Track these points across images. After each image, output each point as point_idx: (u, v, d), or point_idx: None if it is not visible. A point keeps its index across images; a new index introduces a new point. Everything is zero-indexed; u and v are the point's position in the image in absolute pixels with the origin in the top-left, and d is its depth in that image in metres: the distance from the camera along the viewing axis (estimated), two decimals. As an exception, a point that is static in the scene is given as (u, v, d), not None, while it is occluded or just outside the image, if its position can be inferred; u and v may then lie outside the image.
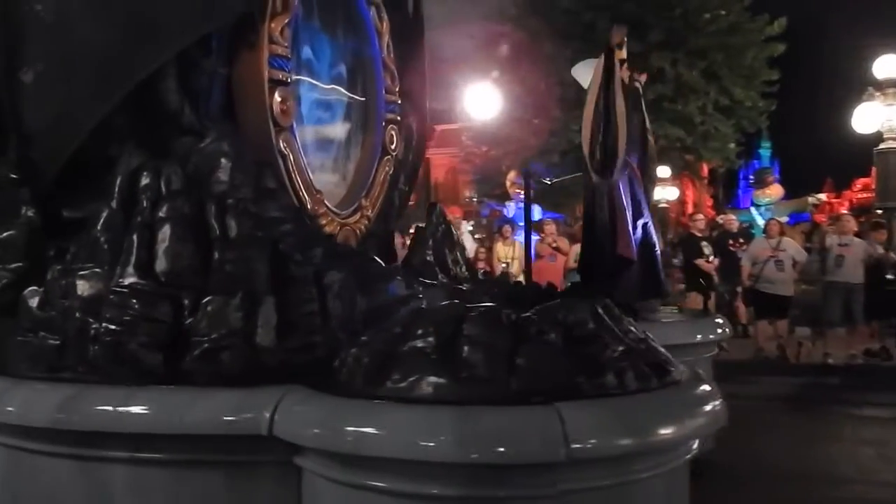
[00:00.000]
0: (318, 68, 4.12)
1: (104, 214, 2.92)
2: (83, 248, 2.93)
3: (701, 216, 13.87)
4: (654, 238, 4.86)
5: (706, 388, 2.53)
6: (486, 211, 19.74)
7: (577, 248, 12.68)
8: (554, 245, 13.19)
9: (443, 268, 4.72)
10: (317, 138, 4.13)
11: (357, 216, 4.22)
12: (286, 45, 3.61)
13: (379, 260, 3.48)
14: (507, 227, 14.43)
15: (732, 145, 19.03)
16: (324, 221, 3.87)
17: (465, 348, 2.34)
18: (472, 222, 19.05)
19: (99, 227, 2.91)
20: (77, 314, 2.78)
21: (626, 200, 4.77)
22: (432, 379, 2.29)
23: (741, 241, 12.26)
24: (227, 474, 2.56)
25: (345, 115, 4.35)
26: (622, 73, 5.04)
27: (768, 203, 20.78)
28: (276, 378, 2.62)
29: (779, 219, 13.21)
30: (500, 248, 13.88)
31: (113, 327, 2.67)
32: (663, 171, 20.48)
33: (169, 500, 2.57)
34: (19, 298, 2.95)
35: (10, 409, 2.69)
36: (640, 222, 4.77)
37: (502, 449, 2.07)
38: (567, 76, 18.06)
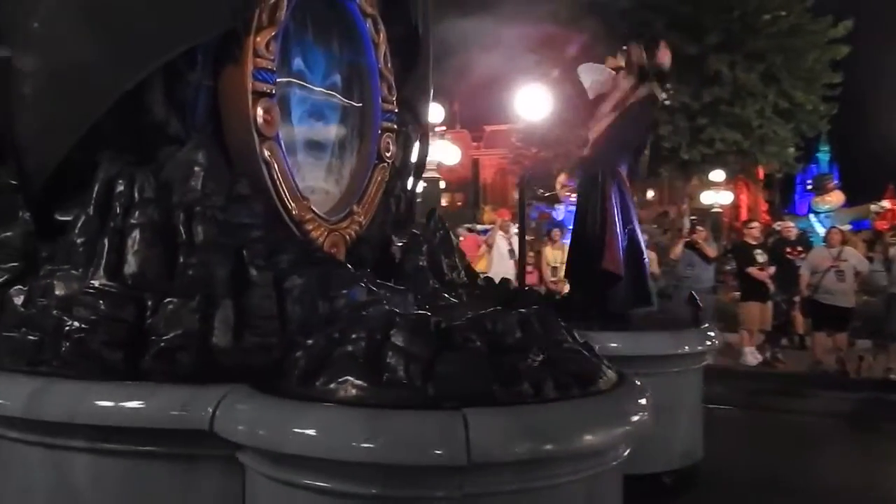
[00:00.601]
0: (311, 79, 4.29)
1: (81, 219, 3.15)
2: (62, 250, 3.16)
3: (756, 224, 13.57)
4: (642, 245, 4.87)
5: (630, 399, 2.58)
6: (535, 214, 19.74)
7: None
8: None
9: (437, 273, 4.84)
10: (308, 146, 4.30)
11: (347, 222, 4.36)
12: (271, 58, 3.78)
13: (347, 266, 3.61)
14: (556, 231, 14.38)
15: (791, 150, 18.58)
16: (310, 227, 4.02)
17: (389, 354, 2.46)
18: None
19: (76, 231, 3.14)
20: (53, 312, 3.00)
21: (616, 210, 4.79)
22: (356, 382, 2.42)
23: (799, 248, 11.93)
24: (177, 467, 2.74)
25: (339, 123, 4.51)
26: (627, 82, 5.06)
27: (828, 210, 20.18)
28: (231, 377, 2.78)
29: (840, 227, 12.84)
30: (549, 252, 13.82)
31: (80, 325, 2.88)
32: (718, 175, 20.16)
33: (125, 488, 2.76)
34: (5, 296, 3.20)
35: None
36: (627, 228, 4.79)
37: (406, 451, 2.18)
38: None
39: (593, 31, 17.66)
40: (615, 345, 4.27)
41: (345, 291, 3.25)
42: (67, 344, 2.91)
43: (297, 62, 4.20)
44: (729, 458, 5.28)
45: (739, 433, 6.71)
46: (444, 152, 17.20)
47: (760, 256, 11.12)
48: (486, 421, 2.24)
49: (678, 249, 12.01)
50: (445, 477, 2.25)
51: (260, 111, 3.72)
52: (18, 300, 3.17)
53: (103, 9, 3.27)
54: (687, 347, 4.45)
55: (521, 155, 19.75)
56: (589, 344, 2.87)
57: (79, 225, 3.14)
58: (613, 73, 5.14)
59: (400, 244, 4.80)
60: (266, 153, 3.77)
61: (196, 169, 3.25)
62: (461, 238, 15.55)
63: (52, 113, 3.31)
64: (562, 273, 13.11)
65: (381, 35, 4.64)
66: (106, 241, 3.04)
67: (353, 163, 4.61)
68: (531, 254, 14.96)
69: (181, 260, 3.03)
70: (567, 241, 15.22)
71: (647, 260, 4.82)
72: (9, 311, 3.16)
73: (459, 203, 20.75)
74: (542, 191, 18.80)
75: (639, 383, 2.85)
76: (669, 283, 12.42)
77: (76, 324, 2.90)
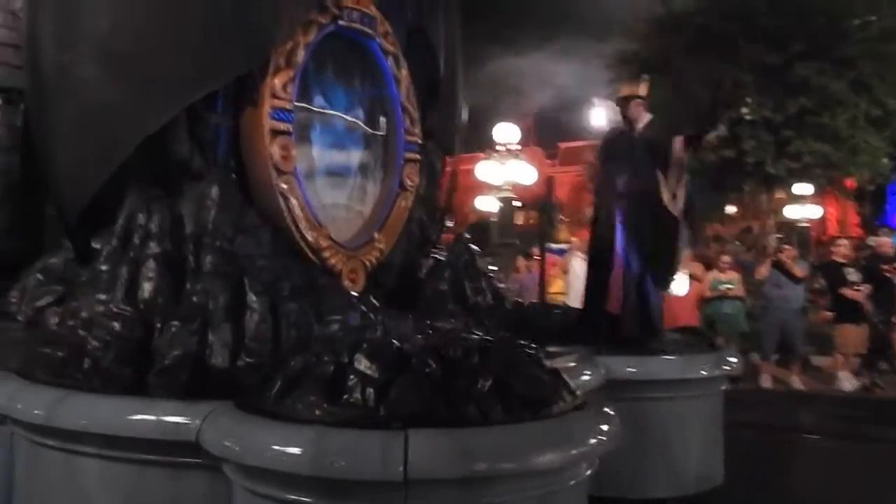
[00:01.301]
0: (331, 117, 4.59)
1: (106, 248, 3.53)
2: (90, 276, 3.55)
3: (843, 241, 13.06)
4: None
5: (581, 423, 2.72)
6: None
7: (712, 275, 12.37)
8: (686, 271, 12.88)
9: (459, 297, 5.05)
10: (330, 177, 4.60)
11: (367, 248, 4.62)
12: (288, 98, 4.11)
13: (346, 292, 3.87)
14: None
15: (885, 160, 17.81)
16: (327, 254, 4.31)
17: (350, 376, 2.69)
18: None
19: (101, 259, 3.52)
20: (78, 332, 3.38)
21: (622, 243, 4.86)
22: (318, 401, 2.66)
23: (896, 265, 11.38)
24: (172, 475, 3.04)
25: (362, 154, 4.79)
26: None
27: (926, 222, 19.14)
28: (226, 394, 3.07)
29: (941, 242, 12.17)
30: None
31: (97, 344, 3.24)
32: (805, 188, 19.49)
33: (129, 493, 3.09)
34: (43, 316, 3.61)
35: (22, 407, 3.32)
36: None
37: (346, 466, 2.40)
38: (701, 93, 17.71)
39: (667, 47, 17.52)
40: (621, 369, 4.36)
41: (338, 317, 3.50)
42: (87, 360, 3.27)
43: (319, 99, 4.52)
44: (797, 489, 5.16)
45: (824, 463, 6.40)
46: (519, 171, 17.32)
47: (853, 275, 10.64)
48: (426, 441, 2.43)
49: (764, 269, 11.73)
50: (391, 491, 2.44)
51: (277, 148, 4.05)
52: (53, 320, 3.57)
53: (129, 58, 3.65)
54: (699, 372, 4.47)
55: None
56: (556, 370, 3.01)
57: (104, 253, 3.53)
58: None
59: (423, 269, 5.05)
60: (283, 186, 4.09)
61: (208, 203, 3.58)
62: (536, 257, 15.64)
63: (84, 152, 3.71)
64: None
65: (404, 71, 4.91)
66: (124, 268, 3.40)
67: (375, 192, 4.88)
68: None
69: (187, 287, 3.36)
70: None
71: (650, 291, 4.85)
72: (44, 330, 3.57)
73: (533, 221, 20.79)
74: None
75: (606, 409, 2.97)
76: (756, 304, 12.15)
77: (94, 342, 3.26)
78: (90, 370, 3.25)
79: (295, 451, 2.48)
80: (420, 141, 5.02)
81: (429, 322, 3.93)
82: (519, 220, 19.67)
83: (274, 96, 4.05)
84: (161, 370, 3.14)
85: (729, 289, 12.11)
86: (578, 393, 3.02)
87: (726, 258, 12.72)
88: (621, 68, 18.49)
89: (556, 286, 14.09)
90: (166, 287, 3.38)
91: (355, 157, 4.75)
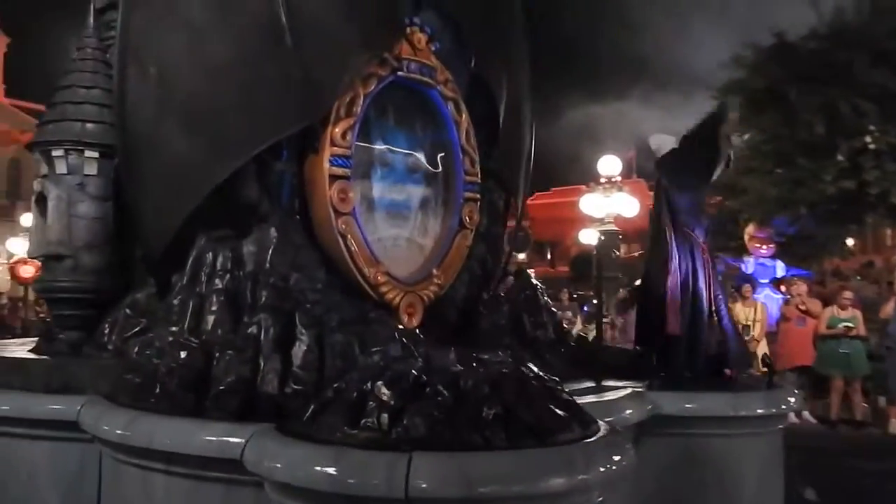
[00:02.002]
0: (392, 160, 4.94)
1: (178, 285, 3.98)
2: (164, 310, 4.00)
3: None
4: (703, 312, 4.88)
5: (585, 453, 2.86)
6: (722, 267, 19.08)
7: (830, 311, 11.91)
8: (803, 307, 12.49)
9: (519, 331, 5.24)
10: (391, 216, 4.93)
11: (425, 284, 4.90)
12: (347, 146, 4.48)
13: (393, 325, 4.15)
14: (746, 287, 13.78)
15: None
16: (385, 289, 4.61)
17: (370, 403, 2.96)
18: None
19: (174, 294, 3.97)
20: (153, 360, 3.82)
21: (682, 270, 4.89)
22: (339, 424, 2.94)
23: None
24: (224, 489, 3.39)
25: (422, 195, 5.10)
26: None
27: None
28: (275, 417, 3.41)
29: None
30: (740, 310, 13.12)
31: (165, 371, 3.66)
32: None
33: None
34: (128, 346, 4.08)
35: (105, 427, 3.78)
36: (692, 292, 4.87)
37: (357, 483, 2.66)
38: (816, 124, 17.16)
39: (777, 76, 17.11)
40: (669, 405, 4.41)
41: (380, 348, 3.78)
42: (157, 386, 3.70)
43: (380, 142, 4.87)
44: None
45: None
46: (622, 204, 17.29)
47: None
48: (428, 463, 2.66)
49: (889, 308, 11.25)
50: (401, 510, 2.68)
51: (336, 191, 4.42)
52: (134, 350, 4.03)
53: (203, 117, 4.12)
54: (751, 410, 4.45)
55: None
56: (571, 401, 3.17)
57: (175, 289, 3.97)
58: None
59: (483, 304, 5.28)
60: (342, 226, 4.45)
61: (267, 244, 3.99)
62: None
63: (164, 201, 4.20)
64: (755, 331, 12.58)
65: (464, 115, 5.20)
66: (191, 303, 3.83)
67: (436, 230, 5.17)
68: (719, 310, 14.44)
69: (244, 320, 3.74)
70: (760, 298, 14.59)
71: (704, 326, 4.86)
72: (127, 358, 4.03)
73: (637, 254, 20.55)
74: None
75: (619, 440, 3.10)
76: (882, 343, 11.64)
77: (163, 370, 3.68)
78: (159, 394, 3.67)
79: (315, 469, 2.76)
80: (479, 181, 5.27)
81: (474, 354, 4.18)
82: (622, 252, 19.53)
83: (333, 144, 4.42)
84: (216, 395, 3.52)
85: (849, 328, 11.64)
86: (600, 424, 3.15)
87: (848, 294, 12.24)
88: (728, 98, 18.19)
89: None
90: (226, 320, 3.77)
91: (416, 196, 5.06)
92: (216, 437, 3.31)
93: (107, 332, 4.38)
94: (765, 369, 5.21)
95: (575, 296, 17.44)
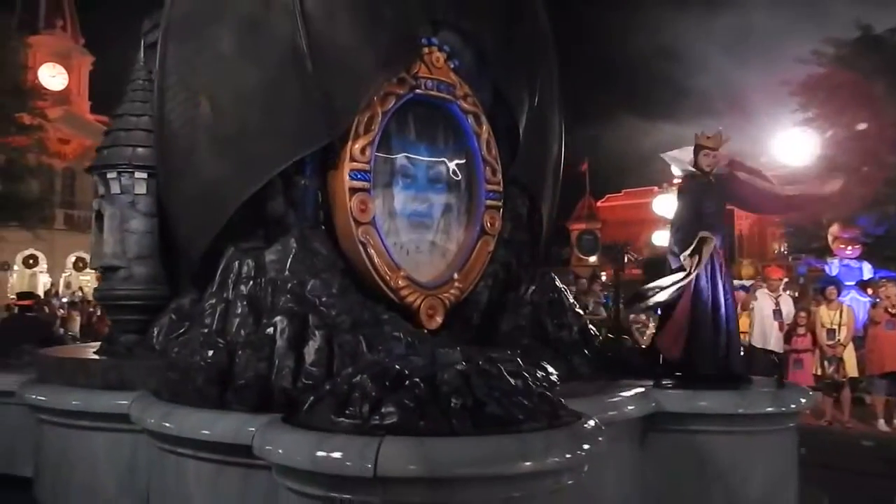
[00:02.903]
0: (413, 172, 5.31)
1: (209, 291, 4.47)
2: (198, 314, 4.50)
3: None
4: (722, 316, 5.01)
5: (541, 441, 3.14)
6: (804, 268, 18.54)
7: None
8: (894, 310, 12.20)
9: (540, 332, 5.52)
10: (412, 226, 5.30)
11: (446, 287, 5.25)
12: (366, 161, 4.89)
13: (405, 326, 4.51)
14: (831, 289, 13.47)
15: None
16: (405, 293, 5.00)
17: (355, 394, 3.34)
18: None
19: (205, 300, 4.46)
20: (187, 359, 4.32)
21: (704, 284, 5.05)
22: (328, 414, 3.33)
23: None
24: (242, 472, 3.83)
25: (445, 205, 5.45)
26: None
27: None
28: (286, 408, 3.83)
29: None
30: (824, 313, 12.81)
31: (195, 368, 4.15)
32: None
33: (212, 486, 3.92)
34: (169, 347, 4.60)
35: (148, 419, 4.29)
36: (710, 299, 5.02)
37: (334, 464, 3.04)
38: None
39: (865, 70, 16.58)
40: (672, 403, 4.60)
41: (389, 347, 4.16)
42: (189, 382, 4.19)
43: (401, 158, 5.26)
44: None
45: None
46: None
47: None
48: (395, 447, 3.01)
49: None
50: (369, 486, 3.04)
51: (356, 203, 4.84)
52: (174, 350, 4.54)
53: (226, 136, 4.61)
54: (755, 408, 4.57)
55: (784, 205, 18.76)
56: (545, 394, 3.46)
57: (207, 295, 4.47)
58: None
59: (506, 306, 5.58)
60: (362, 235, 4.86)
61: (287, 253, 4.43)
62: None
63: (197, 216, 4.72)
64: (841, 335, 12.31)
65: (484, 127, 5.54)
66: (219, 307, 4.31)
67: (459, 236, 5.51)
68: (802, 314, 14.21)
69: (263, 322, 4.19)
70: (845, 300, 14.20)
71: (723, 328, 4.99)
72: (168, 358, 4.55)
73: (712, 257, 20.17)
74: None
75: (585, 431, 3.36)
76: None
77: (193, 367, 4.17)
78: (190, 389, 4.15)
79: (301, 452, 3.16)
80: (501, 189, 5.59)
81: (480, 352, 4.51)
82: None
83: (353, 159, 4.84)
84: (236, 389, 3.97)
85: None
86: (578, 417, 3.43)
87: None
88: (809, 94, 17.78)
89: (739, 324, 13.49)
90: (248, 322, 4.23)
91: (438, 204, 5.42)
92: (233, 427, 3.75)
93: (155, 334, 4.92)
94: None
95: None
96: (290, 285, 4.30)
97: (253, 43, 4.65)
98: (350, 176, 4.83)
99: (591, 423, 3.49)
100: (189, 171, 4.73)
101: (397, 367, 3.45)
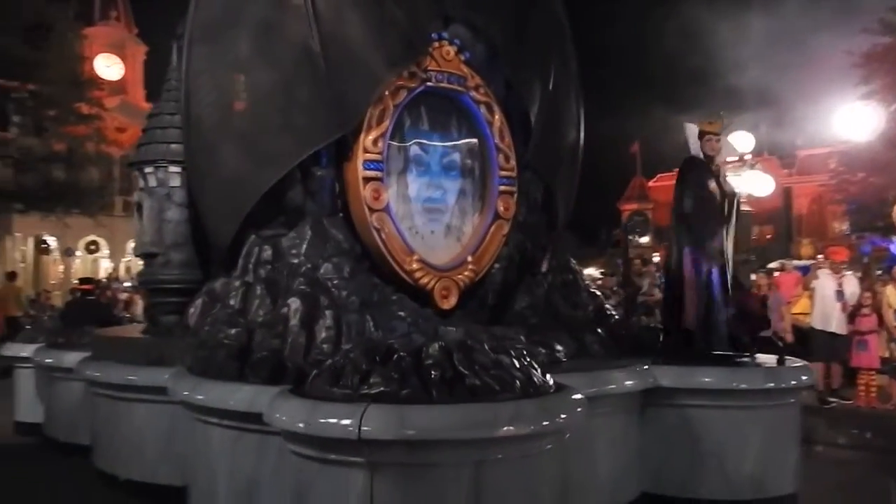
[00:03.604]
0: (427, 160, 5.67)
1: (234, 274, 4.94)
2: (224, 296, 4.98)
3: None
4: (716, 295, 5.20)
5: (508, 411, 3.47)
6: (868, 248, 18.11)
7: None
8: None
9: (552, 311, 5.83)
10: (427, 212, 5.67)
11: (459, 270, 5.61)
12: (378, 152, 5.27)
13: (411, 306, 4.90)
14: None
15: None
16: (419, 275, 5.38)
17: (348, 368, 3.74)
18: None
19: (231, 282, 4.93)
20: (213, 337, 4.80)
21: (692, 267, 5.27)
22: (326, 385, 3.74)
23: None
24: (259, 438, 4.29)
25: (459, 191, 5.80)
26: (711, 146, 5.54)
27: None
28: (297, 380, 4.27)
29: None
30: (891, 293, 12.66)
31: (217, 345, 4.62)
32: None
33: (233, 452, 4.39)
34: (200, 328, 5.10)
35: (181, 392, 4.78)
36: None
37: (324, 428, 3.45)
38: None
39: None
40: (669, 379, 4.87)
41: (393, 326, 4.56)
42: (214, 357, 4.67)
43: (414, 148, 5.63)
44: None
45: None
46: (754, 183, 16.91)
47: None
48: (378, 413, 3.39)
49: None
50: (356, 447, 3.44)
51: (369, 191, 5.23)
52: (203, 329, 5.04)
53: (247, 133, 5.06)
54: (772, 384, 4.80)
55: (845, 181, 18.41)
56: (527, 368, 3.79)
57: (231, 278, 4.94)
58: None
59: (520, 287, 5.91)
60: (376, 222, 5.25)
61: (300, 240, 4.86)
62: (776, 275, 15.11)
63: (222, 206, 5.20)
64: None
65: (496, 116, 5.86)
66: (241, 289, 4.78)
67: (474, 221, 5.86)
68: (867, 294, 14.03)
69: (279, 302, 4.63)
70: (911, 278, 13.92)
71: (719, 307, 5.20)
72: (197, 336, 5.05)
73: (769, 236, 19.89)
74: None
75: (554, 404, 3.68)
76: None
77: (217, 344, 4.65)
78: (215, 364, 4.63)
79: (298, 418, 3.58)
80: (514, 175, 5.90)
81: (485, 330, 4.86)
82: (753, 234, 19.03)
83: (366, 151, 5.24)
84: (252, 363, 4.43)
85: None
86: (561, 390, 3.76)
87: None
88: (874, 65, 17.36)
89: (799, 306, 13.38)
90: (266, 303, 4.69)
91: (452, 191, 5.77)
92: (248, 397, 4.20)
93: (191, 315, 5.43)
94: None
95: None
96: (303, 269, 4.73)
97: (269, 45, 5.07)
98: (363, 166, 5.22)
99: (573, 395, 3.82)
100: (214, 166, 5.21)
101: (390, 343, 3.84)
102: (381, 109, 5.31)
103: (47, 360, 7.06)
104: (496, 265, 5.89)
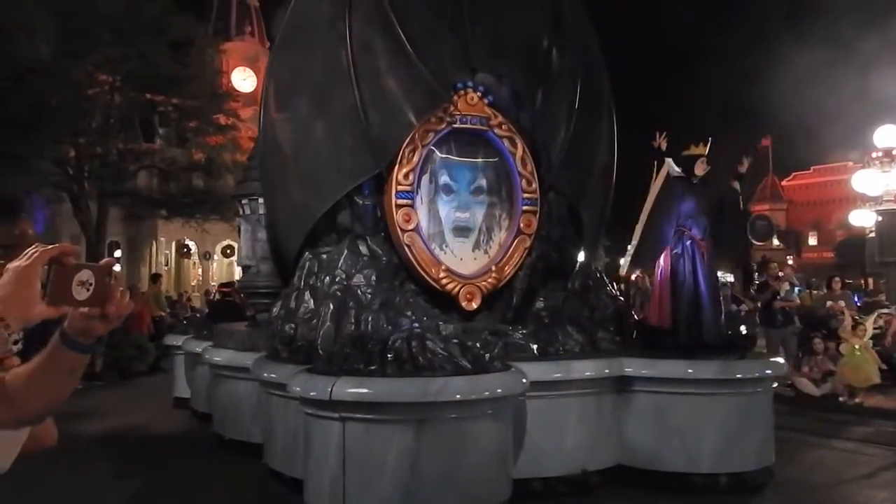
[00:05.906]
0: (457, 187, 7.05)
1: (292, 282, 6.61)
2: (284, 298, 6.67)
3: None
4: (703, 296, 6.15)
5: (434, 386, 4.83)
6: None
7: None
8: None
9: (569, 312, 7.00)
10: (457, 233, 7.04)
11: (483, 277, 6.94)
12: (408, 184, 6.75)
13: (422, 306, 6.31)
14: None
15: None
16: (445, 281, 6.80)
17: (338, 352, 5.26)
18: None
19: (290, 289, 6.61)
20: (274, 331, 6.50)
21: (685, 268, 6.25)
22: (323, 365, 5.29)
23: None
24: (285, 402, 5.90)
25: (485, 214, 7.13)
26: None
27: None
28: (328, 367, 5.84)
29: None
30: None
31: (277, 337, 6.31)
32: None
33: (281, 417, 6.03)
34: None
35: (257, 371, 6.52)
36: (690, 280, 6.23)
37: (311, 392, 5.00)
38: None
39: None
40: (638, 369, 5.95)
41: (402, 322, 6.01)
42: (275, 346, 6.36)
43: (444, 177, 7.03)
44: None
45: None
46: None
47: None
48: (346, 382, 4.91)
49: None
50: (331, 407, 4.95)
51: (401, 216, 6.74)
52: (277, 324, 6.75)
53: (305, 173, 6.73)
54: (739, 375, 5.82)
55: None
56: (476, 354, 5.14)
57: (290, 287, 6.62)
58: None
59: (542, 291, 7.13)
60: (407, 240, 6.74)
61: (339, 255, 6.44)
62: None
63: (289, 229, 6.91)
64: None
65: (519, 146, 7.14)
66: (294, 293, 6.44)
67: (500, 237, 7.17)
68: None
69: (318, 304, 6.24)
70: None
71: (705, 304, 6.19)
72: (268, 329, 6.76)
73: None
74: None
75: (478, 380, 4.99)
76: None
77: (277, 336, 6.33)
78: (273, 350, 6.33)
79: (296, 384, 5.16)
80: (537, 196, 7.13)
81: (487, 326, 6.20)
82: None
83: (398, 183, 6.74)
84: (293, 350, 6.07)
85: None
86: (502, 372, 5.08)
87: None
88: None
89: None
90: (309, 305, 6.32)
91: (479, 214, 7.12)
92: (286, 374, 5.83)
93: (273, 313, 7.18)
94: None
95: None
96: (338, 278, 6.32)
97: (322, 104, 6.71)
98: (396, 196, 6.73)
99: (512, 377, 5.12)
100: (283, 198, 6.94)
101: (370, 334, 5.33)
102: (412, 149, 6.78)
103: (193, 349, 9.19)
104: (520, 273, 7.15)
